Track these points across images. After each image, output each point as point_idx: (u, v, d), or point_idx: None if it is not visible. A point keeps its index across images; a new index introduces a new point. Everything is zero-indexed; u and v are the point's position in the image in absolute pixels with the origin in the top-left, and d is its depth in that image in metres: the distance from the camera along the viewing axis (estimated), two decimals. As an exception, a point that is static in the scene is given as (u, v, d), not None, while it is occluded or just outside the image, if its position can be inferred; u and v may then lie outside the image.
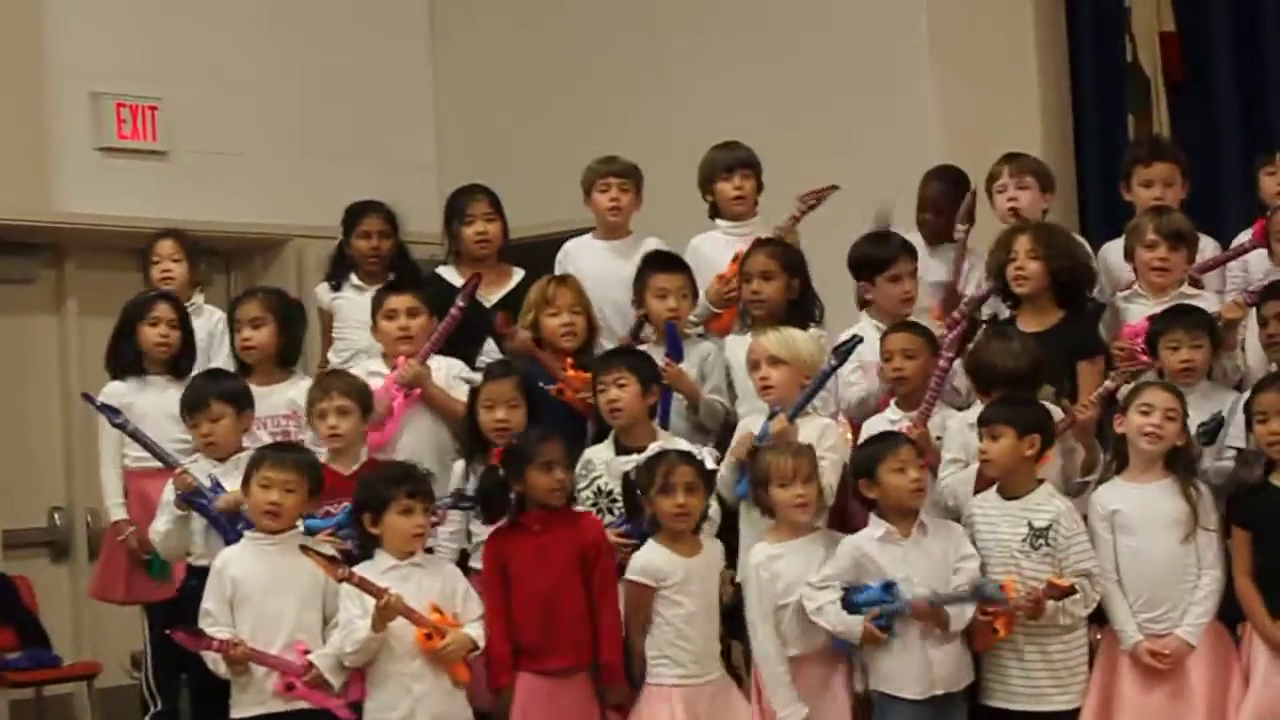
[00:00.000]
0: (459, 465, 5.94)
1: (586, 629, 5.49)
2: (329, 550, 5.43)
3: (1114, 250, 6.27)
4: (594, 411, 6.00)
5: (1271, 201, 6.23)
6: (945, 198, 6.64)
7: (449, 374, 6.27)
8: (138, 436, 6.05)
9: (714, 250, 6.54)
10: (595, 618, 5.50)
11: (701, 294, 6.44)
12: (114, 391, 6.34)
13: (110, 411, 6.08)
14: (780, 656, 5.43)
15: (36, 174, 8.66)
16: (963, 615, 5.29)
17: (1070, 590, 5.19)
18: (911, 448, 5.40)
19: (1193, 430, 5.45)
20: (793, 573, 5.45)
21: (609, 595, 5.53)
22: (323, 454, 5.86)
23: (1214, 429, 5.50)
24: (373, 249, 6.84)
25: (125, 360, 6.39)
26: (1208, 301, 5.90)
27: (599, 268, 6.63)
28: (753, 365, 5.86)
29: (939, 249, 6.56)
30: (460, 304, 6.20)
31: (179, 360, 6.37)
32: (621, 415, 5.84)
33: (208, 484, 5.77)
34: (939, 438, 5.68)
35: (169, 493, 5.83)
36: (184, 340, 6.41)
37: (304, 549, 5.29)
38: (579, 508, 5.75)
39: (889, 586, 5.27)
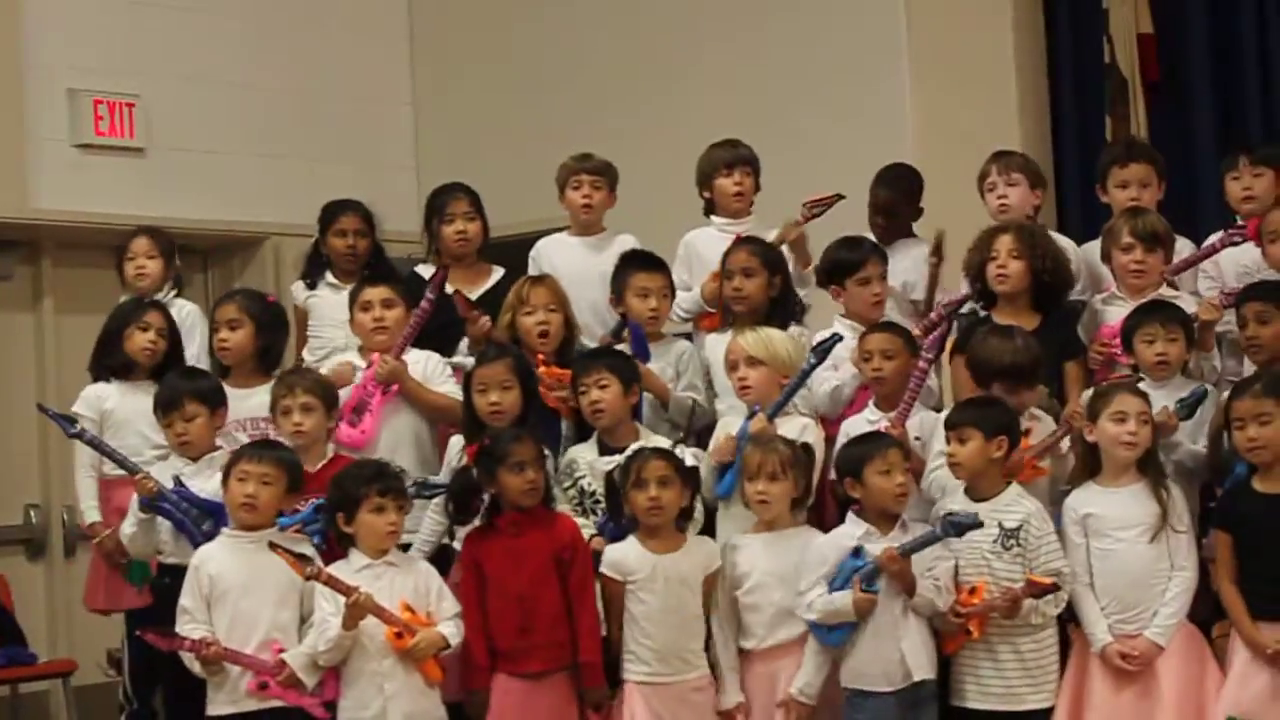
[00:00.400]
0: (456, 440, 5.94)
1: (565, 630, 5.48)
2: (305, 548, 5.43)
3: (1095, 250, 6.30)
4: (573, 410, 5.99)
5: (1238, 207, 6.26)
6: (895, 201, 6.72)
7: (426, 367, 6.25)
8: (95, 444, 6.01)
9: (707, 247, 6.55)
10: (573, 618, 5.49)
11: (695, 290, 6.47)
12: (95, 394, 6.31)
13: (64, 421, 6.04)
14: (726, 644, 5.49)
15: (13, 170, 8.65)
16: (936, 600, 5.31)
17: (1053, 587, 5.20)
18: (899, 451, 5.40)
19: (1172, 407, 5.48)
20: (750, 564, 5.50)
21: (587, 595, 5.52)
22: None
23: (1194, 403, 5.52)
24: (348, 247, 6.84)
25: (113, 364, 6.34)
26: (1185, 303, 5.92)
27: (572, 264, 6.64)
28: (731, 365, 5.88)
29: (891, 248, 6.58)
30: (430, 296, 6.20)
31: (164, 368, 6.31)
32: (604, 416, 5.84)
33: (170, 485, 5.73)
34: (917, 438, 5.70)
35: (136, 490, 5.79)
36: (170, 349, 6.37)
37: (272, 546, 5.28)
38: (563, 507, 5.76)
39: (858, 552, 5.29)
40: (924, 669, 5.32)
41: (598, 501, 5.78)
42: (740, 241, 6.30)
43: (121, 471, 5.97)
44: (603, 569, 5.51)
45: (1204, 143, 7.83)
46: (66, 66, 8.85)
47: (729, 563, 5.54)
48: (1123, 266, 5.97)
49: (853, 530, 5.39)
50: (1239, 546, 5.29)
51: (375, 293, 6.28)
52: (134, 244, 6.83)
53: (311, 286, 6.91)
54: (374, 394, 6.13)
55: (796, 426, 5.77)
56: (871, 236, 6.55)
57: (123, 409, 6.23)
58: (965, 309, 6.15)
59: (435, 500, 5.79)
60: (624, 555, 5.50)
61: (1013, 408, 5.51)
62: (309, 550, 5.44)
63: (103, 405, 6.27)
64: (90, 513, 6.29)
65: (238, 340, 6.25)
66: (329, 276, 6.88)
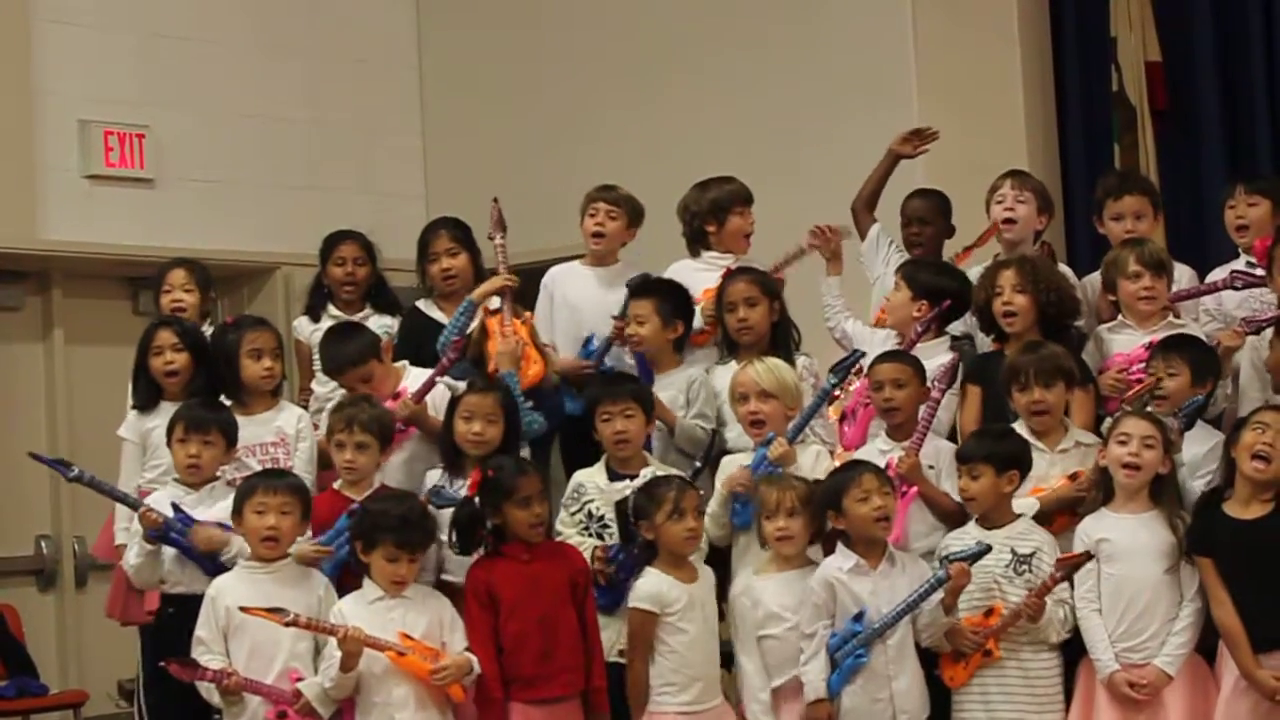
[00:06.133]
0: (432, 474, 5.93)
1: (581, 655, 5.49)
2: (318, 580, 5.47)
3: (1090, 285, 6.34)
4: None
5: (1233, 235, 6.28)
6: (928, 210, 6.78)
7: (435, 397, 6.19)
8: (94, 485, 5.93)
9: (691, 278, 6.55)
10: (588, 643, 5.51)
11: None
12: (135, 418, 6.25)
13: (61, 466, 5.97)
14: (762, 685, 5.47)
15: (24, 201, 8.67)
16: (935, 622, 5.33)
17: (1085, 557, 5.21)
18: (875, 476, 5.39)
19: (1175, 421, 5.48)
20: (774, 603, 5.48)
21: (596, 622, 5.56)
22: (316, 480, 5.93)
23: (1193, 412, 5.52)
24: (347, 275, 6.85)
25: (142, 394, 6.28)
26: (1190, 331, 5.92)
27: (583, 294, 6.65)
28: (740, 398, 5.88)
29: None
30: (452, 356, 6.16)
31: (194, 382, 6.24)
32: (629, 446, 5.86)
33: (171, 514, 5.70)
34: (931, 467, 5.69)
35: (136, 524, 5.76)
36: (195, 360, 6.26)
37: (244, 610, 5.26)
38: (568, 530, 5.79)
39: (859, 616, 5.27)
40: (910, 714, 5.32)
41: (605, 525, 5.78)
42: (736, 274, 6.31)
43: (152, 487, 5.96)
44: (637, 603, 5.49)
45: (1212, 170, 7.83)
46: (77, 98, 8.88)
47: (751, 601, 5.53)
48: (1132, 294, 5.97)
49: (842, 562, 5.40)
50: (1224, 575, 5.27)
51: (351, 376, 6.22)
52: (171, 276, 6.73)
53: (315, 320, 6.89)
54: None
55: (810, 455, 5.80)
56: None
57: (163, 430, 6.12)
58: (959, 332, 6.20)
59: None
60: (659, 587, 5.48)
61: (1024, 440, 5.53)
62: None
63: (144, 425, 6.22)
64: (120, 534, 6.20)
65: (279, 370, 6.22)
66: (331, 309, 6.87)
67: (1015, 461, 5.43)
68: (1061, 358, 5.67)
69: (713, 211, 6.66)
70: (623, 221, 6.69)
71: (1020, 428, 5.65)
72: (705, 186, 6.72)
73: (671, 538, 5.48)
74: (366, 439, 5.83)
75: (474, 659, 5.36)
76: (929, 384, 5.78)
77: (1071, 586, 5.38)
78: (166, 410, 6.18)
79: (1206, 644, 5.37)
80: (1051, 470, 5.59)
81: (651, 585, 5.49)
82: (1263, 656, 5.19)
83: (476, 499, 5.57)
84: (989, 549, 5.28)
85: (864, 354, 6.03)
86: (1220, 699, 5.27)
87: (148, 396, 6.26)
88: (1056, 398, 5.62)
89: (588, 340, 6.50)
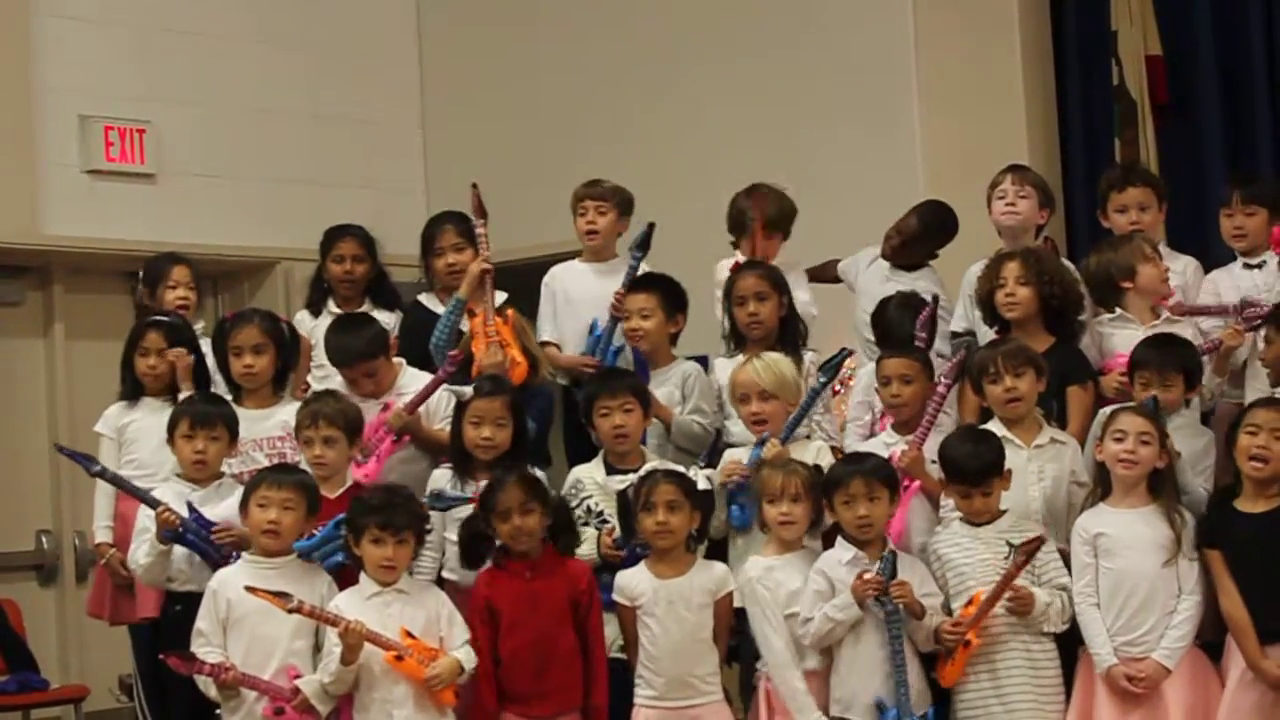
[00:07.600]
0: (438, 474, 5.93)
1: (577, 671, 5.47)
2: (318, 577, 5.46)
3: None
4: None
5: (1230, 243, 6.29)
6: (918, 235, 6.71)
7: (432, 403, 6.23)
8: (116, 481, 5.98)
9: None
10: (587, 660, 5.49)
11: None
12: (115, 410, 6.31)
13: (85, 460, 6.01)
14: (795, 664, 5.40)
15: (25, 197, 8.66)
16: (917, 632, 5.33)
17: (1038, 542, 5.23)
18: (864, 481, 5.36)
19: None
20: (792, 584, 5.45)
21: (600, 639, 5.54)
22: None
23: (1152, 403, 5.53)
24: (346, 273, 6.84)
25: (129, 387, 6.34)
26: (1183, 330, 5.92)
27: (583, 289, 6.66)
28: (741, 399, 5.88)
29: (897, 273, 6.64)
30: (449, 369, 6.13)
31: (174, 384, 6.31)
32: (627, 441, 5.86)
33: (186, 514, 5.72)
34: (934, 462, 5.67)
35: (144, 521, 5.77)
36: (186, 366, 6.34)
37: (249, 589, 5.26)
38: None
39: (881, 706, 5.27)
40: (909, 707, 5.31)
41: (605, 521, 5.79)
42: (745, 267, 6.31)
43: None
44: (614, 595, 5.52)
45: (1213, 164, 7.82)
46: (77, 93, 8.88)
47: (773, 583, 5.45)
48: (1156, 279, 6.00)
49: (842, 554, 5.40)
50: (1233, 568, 5.29)
51: (350, 373, 6.28)
52: (175, 272, 6.77)
53: (316, 315, 6.90)
54: (383, 439, 6.10)
55: (811, 450, 5.79)
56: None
57: (140, 425, 6.21)
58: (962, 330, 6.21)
59: (430, 536, 5.70)
60: (630, 580, 5.51)
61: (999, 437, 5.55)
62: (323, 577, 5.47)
63: (120, 421, 6.26)
64: (101, 532, 6.28)
65: (263, 364, 6.23)
66: (331, 304, 6.88)
67: (1002, 469, 5.45)
68: (1028, 349, 5.69)
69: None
70: (613, 215, 6.72)
71: (994, 425, 5.65)
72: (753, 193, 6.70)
73: (643, 530, 5.48)
74: (333, 433, 5.82)
75: (464, 658, 5.34)
76: (936, 379, 5.80)
77: (1069, 573, 5.40)
78: (146, 405, 6.23)
79: (1209, 638, 5.38)
80: (1029, 467, 5.59)
81: (625, 576, 5.52)
82: (1269, 648, 5.21)
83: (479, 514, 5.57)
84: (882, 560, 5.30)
85: (851, 352, 6.03)
86: (1226, 691, 5.28)
87: (133, 390, 6.32)
88: (1028, 386, 5.61)
89: (593, 327, 6.51)
